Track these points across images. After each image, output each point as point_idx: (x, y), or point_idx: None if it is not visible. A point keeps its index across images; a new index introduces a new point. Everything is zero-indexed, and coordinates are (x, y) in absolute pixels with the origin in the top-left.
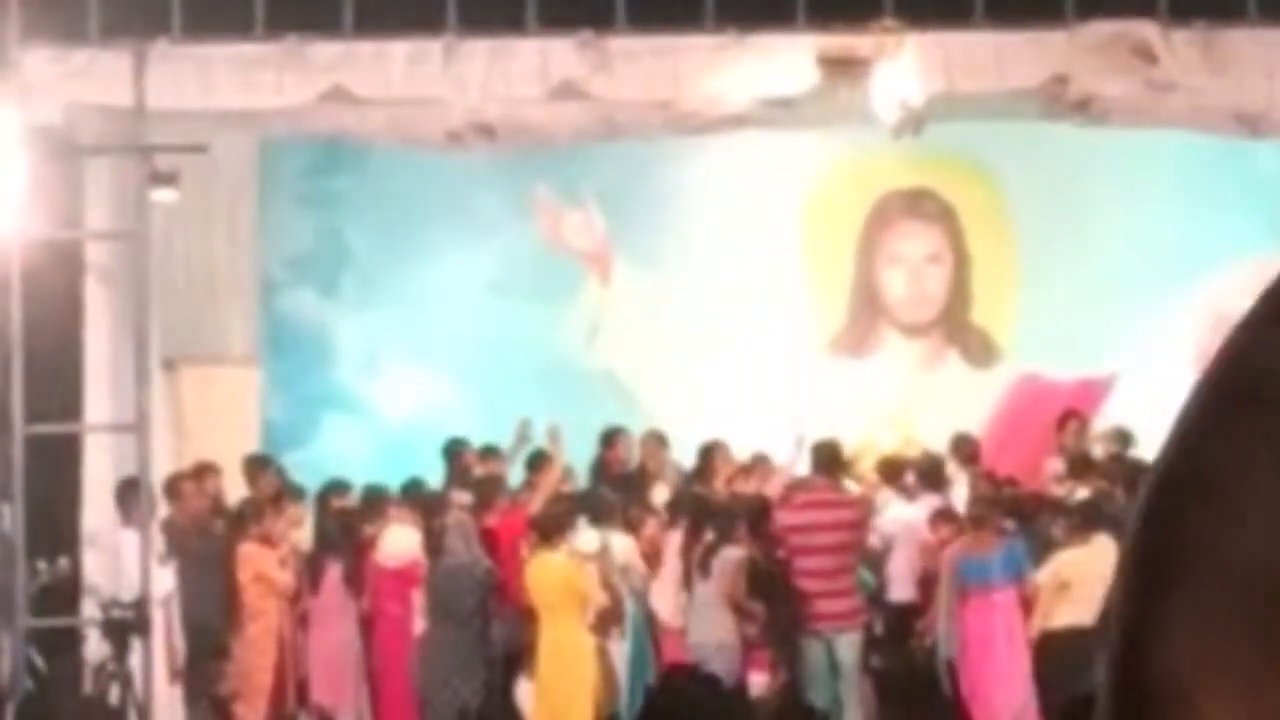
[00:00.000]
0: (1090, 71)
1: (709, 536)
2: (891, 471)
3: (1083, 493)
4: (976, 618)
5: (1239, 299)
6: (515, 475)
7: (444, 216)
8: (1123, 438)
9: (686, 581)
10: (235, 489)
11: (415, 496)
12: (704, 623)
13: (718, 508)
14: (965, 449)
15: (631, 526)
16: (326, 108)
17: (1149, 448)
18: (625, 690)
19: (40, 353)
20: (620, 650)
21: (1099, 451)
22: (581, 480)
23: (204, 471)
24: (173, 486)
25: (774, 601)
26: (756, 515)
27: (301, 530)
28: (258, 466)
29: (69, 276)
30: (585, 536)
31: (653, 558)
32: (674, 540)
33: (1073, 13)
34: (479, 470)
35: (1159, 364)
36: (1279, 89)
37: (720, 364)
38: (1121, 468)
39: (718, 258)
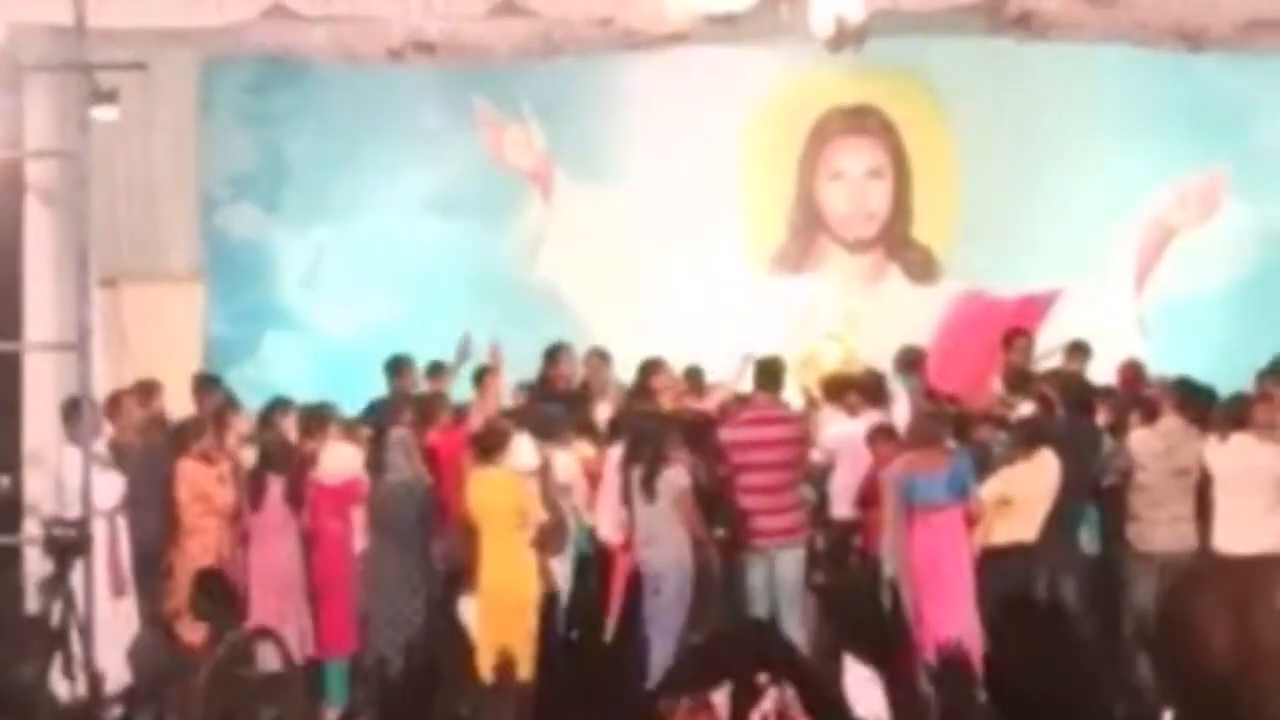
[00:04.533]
0: None
1: (650, 454)
2: (834, 388)
3: (1025, 408)
4: (921, 536)
5: (1180, 214)
6: (459, 392)
7: (385, 133)
8: (1081, 351)
9: (626, 498)
10: (178, 406)
11: (359, 413)
12: (655, 543)
13: (658, 425)
14: (909, 363)
15: (572, 443)
16: (267, 25)
17: (1092, 362)
18: (565, 606)
19: None
20: (562, 567)
21: (1053, 363)
22: (523, 397)
23: (147, 389)
24: (115, 404)
25: (716, 519)
26: (698, 432)
27: (246, 448)
28: (205, 385)
29: (9, 195)
30: (526, 453)
31: (595, 474)
32: (612, 457)
33: None
34: (423, 386)
35: (1100, 279)
36: (1221, 3)
37: (662, 280)
38: (1063, 382)
39: (659, 175)
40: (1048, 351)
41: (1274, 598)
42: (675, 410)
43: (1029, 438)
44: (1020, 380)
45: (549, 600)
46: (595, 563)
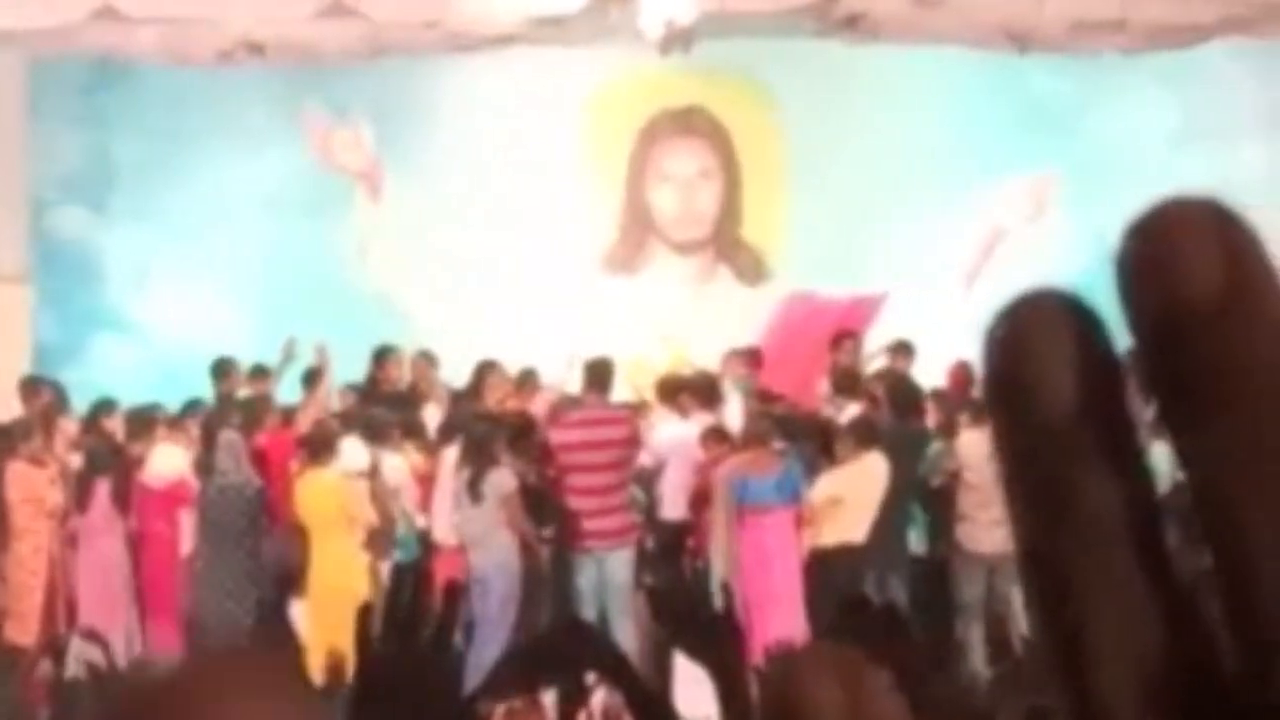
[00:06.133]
0: None
1: (478, 456)
2: (665, 389)
3: (853, 410)
4: (751, 537)
5: (1009, 215)
6: (287, 393)
7: (215, 134)
8: (906, 350)
9: (460, 501)
10: (5, 409)
11: (184, 415)
12: (481, 545)
13: (486, 427)
14: (739, 365)
15: (402, 446)
16: (96, 26)
17: (921, 363)
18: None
19: None
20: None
21: (880, 364)
22: (352, 399)
23: None
24: None
25: (544, 520)
26: (526, 434)
27: (73, 450)
28: (32, 387)
29: None
30: (354, 455)
31: (425, 477)
32: (447, 459)
33: None
34: (246, 390)
35: (930, 281)
36: (1047, 5)
37: (492, 282)
38: (892, 384)
39: (489, 176)
40: (876, 352)
41: None
42: (504, 412)
43: (858, 439)
44: (847, 381)
45: (364, 610)
46: (422, 565)
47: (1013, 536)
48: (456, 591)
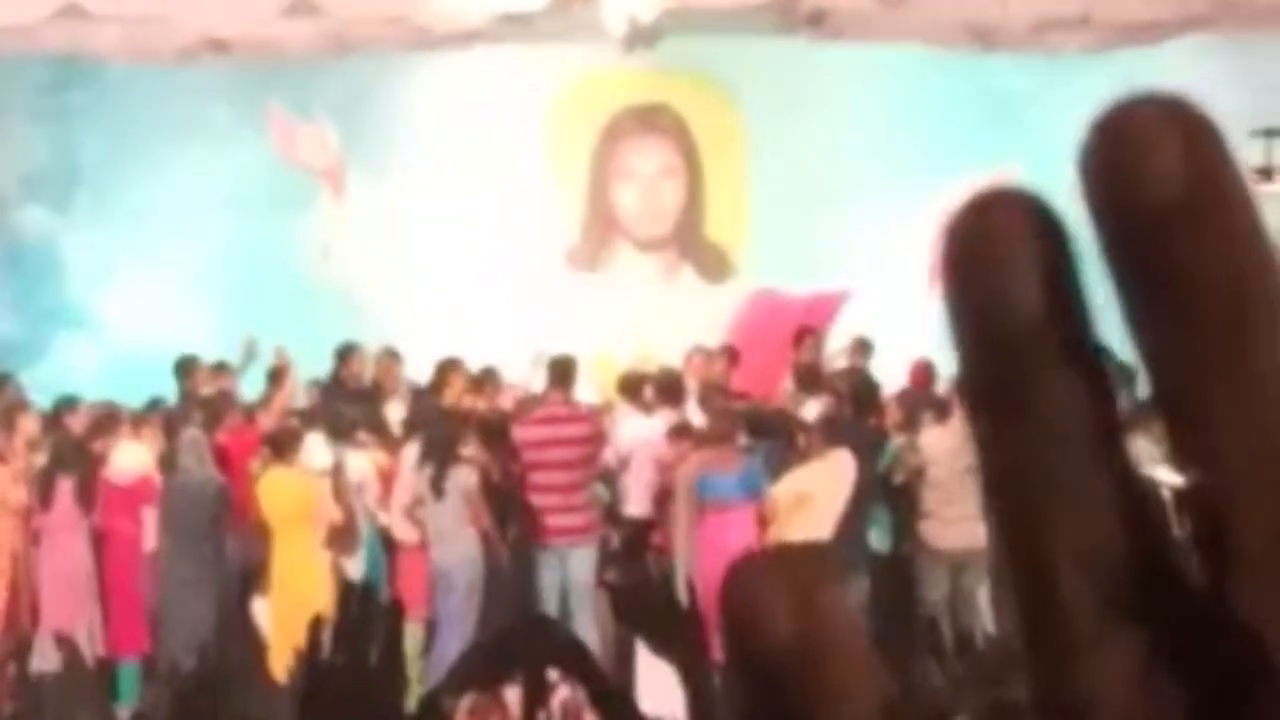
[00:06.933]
0: None
1: (440, 453)
2: (628, 387)
3: (815, 407)
4: (713, 534)
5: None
6: (250, 389)
7: (178, 132)
8: (864, 347)
9: (421, 498)
10: None
11: (147, 413)
12: (445, 541)
13: (450, 424)
14: (703, 363)
15: (364, 443)
16: (60, 24)
17: (884, 361)
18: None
19: None
20: (355, 567)
21: (841, 363)
22: (315, 395)
23: None
24: None
25: (508, 517)
26: (489, 431)
27: (36, 447)
28: None
29: None
30: (317, 453)
31: (387, 474)
32: (409, 456)
33: None
34: (209, 387)
35: (892, 278)
36: (1010, 3)
37: (456, 279)
38: (853, 382)
39: (453, 174)
40: (837, 350)
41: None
42: (467, 409)
43: (823, 436)
44: (810, 378)
45: (315, 621)
46: (390, 563)
47: (970, 441)
48: (403, 609)
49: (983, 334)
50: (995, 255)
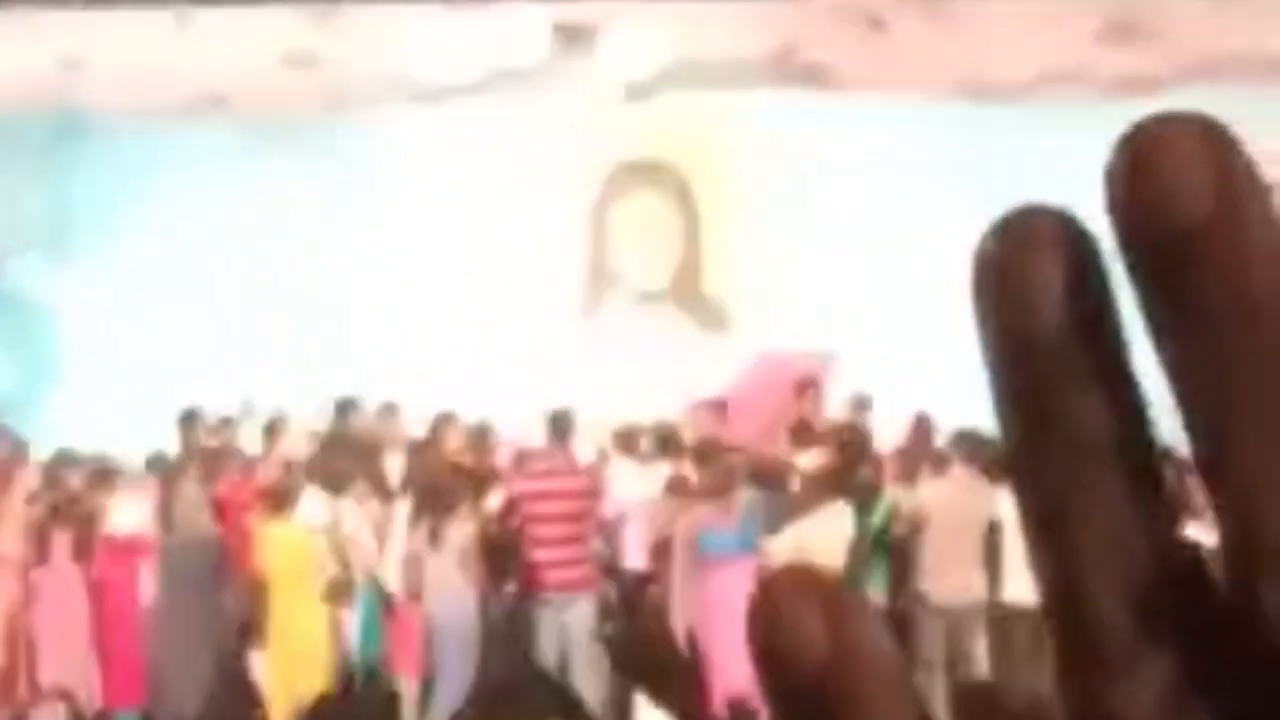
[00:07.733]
0: (819, 39)
1: (437, 507)
2: (625, 440)
3: (813, 459)
4: (713, 589)
5: (967, 266)
6: (250, 444)
7: (174, 185)
8: (863, 403)
9: (417, 552)
10: None
11: (145, 467)
12: (440, 595)
13: (446, 478)
14: (700, 417)
15: (362, 497)
16: (57, 78)
17: (880, 416)
18: (357, 659)
19: None
20: (352, 620)
21: (839, 417)
22: (314, 447)
23: None
24: None
25: (506, 571)
26: (484, 486)
27: (34, 501)
28: None
29: None
30: (315, 507)
31: (384, 528)
32: (400, 510)
33: None
34: (209, 440)
35: (889, 332)
36: (1007, 57)
37: (453, 332)
38: (850, 435)
39: (450, 228)
40: (837, 405)
41: None
42: (462, 464)
43: (821, 488)
44: (806, 431)
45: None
46: (387, 616)
47: (1003, 455)
48: (399, 699)
49: (1014, 348)
50: (1026, 269)
